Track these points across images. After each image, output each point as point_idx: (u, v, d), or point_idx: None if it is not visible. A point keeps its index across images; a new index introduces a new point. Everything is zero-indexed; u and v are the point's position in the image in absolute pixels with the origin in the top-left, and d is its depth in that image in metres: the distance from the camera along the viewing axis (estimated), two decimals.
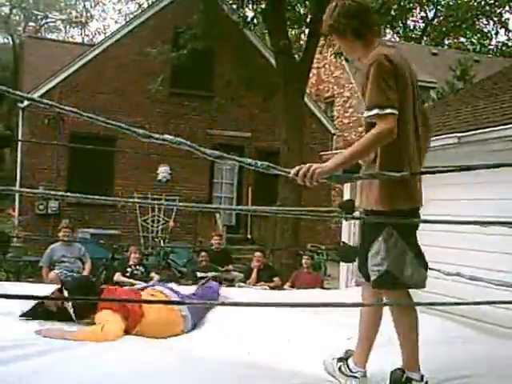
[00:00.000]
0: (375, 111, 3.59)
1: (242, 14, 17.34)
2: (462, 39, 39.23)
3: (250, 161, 2.56)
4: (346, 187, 9.77)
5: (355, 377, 4.14)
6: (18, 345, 4.55)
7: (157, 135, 2.47)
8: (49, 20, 41.79)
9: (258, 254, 12.22)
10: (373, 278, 3.90)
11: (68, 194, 2.73)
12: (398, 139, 3.63)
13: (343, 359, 4.29)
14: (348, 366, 4.20)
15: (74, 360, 4.36)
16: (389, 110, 3.56)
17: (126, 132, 2.50)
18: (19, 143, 19.31)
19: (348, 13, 3.89)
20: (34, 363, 4.19)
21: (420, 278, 3.89)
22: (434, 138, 7.49)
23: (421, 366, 3.93)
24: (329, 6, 4.01)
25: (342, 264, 9.99)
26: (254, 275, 11.82)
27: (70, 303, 5.50)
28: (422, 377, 3.90)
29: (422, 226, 3.95)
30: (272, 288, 11.06)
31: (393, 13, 18.78)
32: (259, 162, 2.50)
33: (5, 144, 6.86)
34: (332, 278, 14.94)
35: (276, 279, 11.86)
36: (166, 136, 2.53)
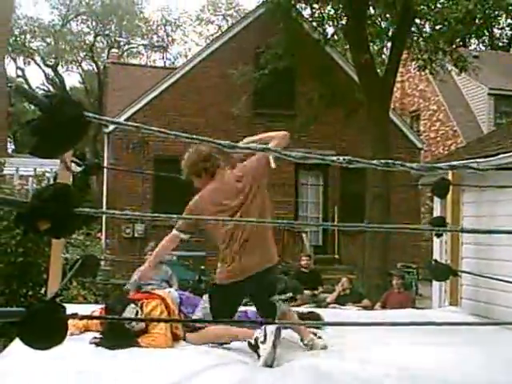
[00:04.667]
0: None
1: (322, 31, 17.24)
2: None
3: (332, 157, 2.51)
4: (436, 203, 9.37)
5: None
6: None
7: (241, 144, 2.45)
8: (131, 45, 42.70)
9: (344, 279, 12.06)
10: None
11: (162, 215, 2.67)
12: None
13: None
14: None
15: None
16: None
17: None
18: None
19: None
20: None
21: None
22: None
23: None
24: None
25: (434, 283, 9.58)
26: (334, 295, 11.69)
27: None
28: None
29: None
30: (363, 308, 10.86)
31: (477, 22, 18.30)
32: (341, 157, 2.44)
33: (93, 172, 6.98)
34: (424, 297, 14.54)
35: (365, 300, 11.64)
36: (251, 144, 2.49)
